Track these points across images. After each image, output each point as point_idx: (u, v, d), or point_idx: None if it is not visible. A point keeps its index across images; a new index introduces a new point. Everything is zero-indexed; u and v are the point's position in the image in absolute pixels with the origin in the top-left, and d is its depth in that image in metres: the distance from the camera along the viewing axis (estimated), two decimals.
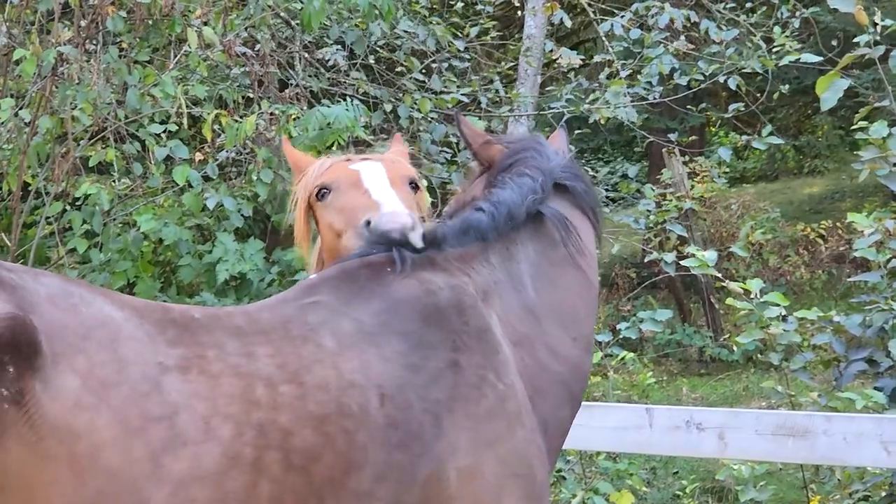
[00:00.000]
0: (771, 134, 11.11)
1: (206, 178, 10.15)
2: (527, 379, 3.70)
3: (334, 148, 10.01)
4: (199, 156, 10.47)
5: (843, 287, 16.38)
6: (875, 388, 7.36)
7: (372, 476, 3.18)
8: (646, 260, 10.59)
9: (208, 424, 3.00)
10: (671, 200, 14.07)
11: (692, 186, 15.03)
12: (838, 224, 16.60)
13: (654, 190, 13.25)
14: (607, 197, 28.62)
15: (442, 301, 3.59)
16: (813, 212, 26.06)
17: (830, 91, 7.21)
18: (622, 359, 10.48)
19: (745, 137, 11.71)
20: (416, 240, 3.83)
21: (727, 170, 13.98)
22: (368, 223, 4.11)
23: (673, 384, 15.04)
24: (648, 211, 11.44)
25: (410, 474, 3.25)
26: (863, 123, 7.76)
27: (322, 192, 4.53)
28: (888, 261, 7.60)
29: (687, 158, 15.62)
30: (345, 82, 11.54)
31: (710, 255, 7.76)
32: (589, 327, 4.12)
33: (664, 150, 14.82)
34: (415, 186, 4.55)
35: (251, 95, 11.03)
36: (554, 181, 4.15)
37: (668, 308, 16.92)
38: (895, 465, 5.68)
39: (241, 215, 10.19)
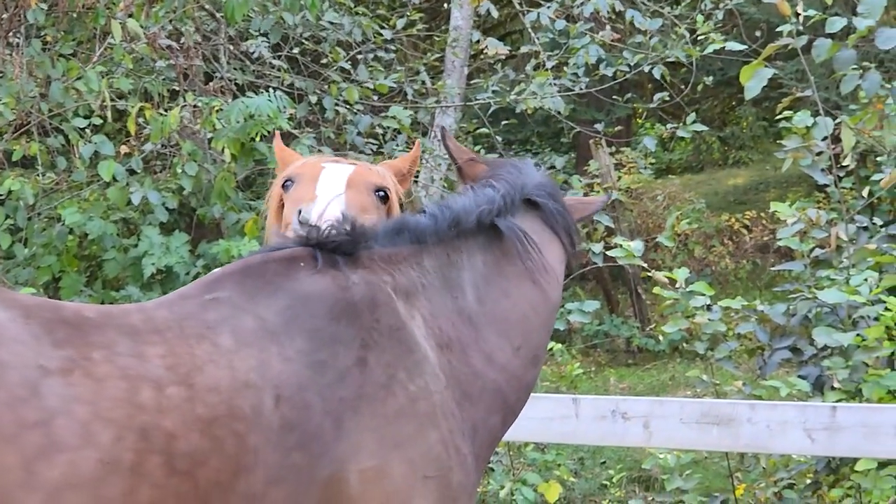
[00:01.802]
0: (695, 122, 11.22)
1: (132, 172, 10.08)
2: (455, 383, 3.63)
3: (258, 139, 9.97)
4: (124, 149, 10.39)
5: (767, 277, 16.51)
6: (799, 377, 7.43)
7: (264, 478, 3.09)
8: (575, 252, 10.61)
9: (87, 429, 2.89)
10: (598, 191, 14.15)
11: (619, 177, 15.13)
12: (762, 214, 16.75)
13: (581, 181, 13.32)
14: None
15: (354, 297, 3.47)
16: (738, 202, 26.23)
17: (754, 80, 7.30)
18: (550, 350, 10.51)
19: (670, 126, 11.81)
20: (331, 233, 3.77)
21: (653, 161, 14.08)
22: (300, 212, 4.11)
23: (601, 374, 15.11)
24: None
25: (308, 476, 3.17)
26: (787, 113, 7.84)
27: (286, 184, 4.57)
28: (811, 250, 7.67)
29: (613, 149, 15.66)
30: (270, 74, 11.49)
31: (637, 246, 7.79)
32: (538, 340, 4.03)
33: (591, 141, 14.87)
34: (383, 196, 4.55)
35: (176, 88, 10.96)
36: (524, 197, 4.06)
37: (596, 299, 17.03)
38: (819, 452, 5.74)
39: (166, 208, 10.13)
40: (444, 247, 3.83)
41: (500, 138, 13.77)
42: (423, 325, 3.64)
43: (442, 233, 3.81)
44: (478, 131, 13.75)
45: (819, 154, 7.66)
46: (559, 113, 12.34)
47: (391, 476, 3.31)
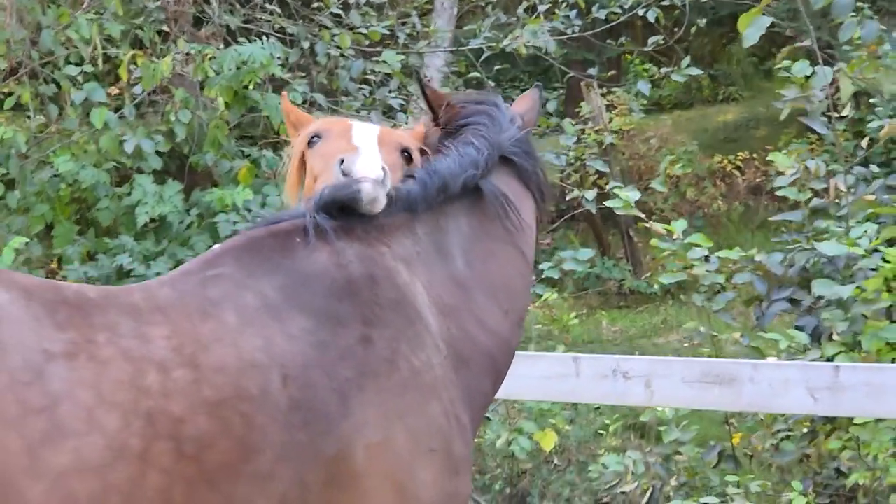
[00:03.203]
0: (689, 66, 11.17)
1: (122, 116, 10.02)
2: (453, 349, 3.63)
3: (251, 87, 9.91)
4: (113, 90, 10.29)
5: (759, 219, 16.50)
6: (796, 327, 7.42)
7: (272, 458, 3.07)
8: (567, 198, 10.59)
9: (92, 415, 2.86)
10: (590, 134, 14.10)
11: (611, 119, 15.05)
12: (754, 155, 16.71)
13: (573, 123, 13.27)
14: None
15: (353, 273, 3.45)
16: (728, 140, 26.16)
17: (752, 28, 7.23)
18: (541, 296, 10.52)
19: (664, 70, 11.75)
20: (381, 195, 3.67)
21: (644, 101, 13.96)
22: (342, 161, 4.05)
23: (592, 317, 15.11)
24: (569, 146, 11.43)
25: (314, 454, 3.15)
26: (786, 63, 7.78)
27: (313, 140, 4.49)
28: (809, 199, 7.64)
29: (605, 90, 15.59)
30: (261, 18, 11.38)
31: (633, 195, 7.74)
32: (522, 302, 4.05)
33: (583, 82, 14.79)
34: (408, 156, 4.49)
35: (167, 30, 10.85)
36: (501, 154, 4.03)
37: (587, 241, 17.03)
38: (822, 411, 5.72)
39: (158, 153, 10.07)
40: (434, 212, 3.82)
41: (492, 83, 13.65)
42: (423, 292, 3.63)
43: (431, 199, 3.79)
44: (469, 74, 13.64)
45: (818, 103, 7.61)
46: (550, 55, 12.24)
47: (396, 450, 3.31)
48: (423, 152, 4.79)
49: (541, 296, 9.34)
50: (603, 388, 5.66)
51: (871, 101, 8.28)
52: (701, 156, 16.58)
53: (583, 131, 14.19)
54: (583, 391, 5.73)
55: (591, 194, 9.85)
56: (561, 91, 18.09)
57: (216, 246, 3.62)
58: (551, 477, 9.20)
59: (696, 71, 11.05)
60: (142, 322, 3.07)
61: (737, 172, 16.70)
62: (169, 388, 2.97)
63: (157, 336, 3.05)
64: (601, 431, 9.30)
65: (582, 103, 15.09)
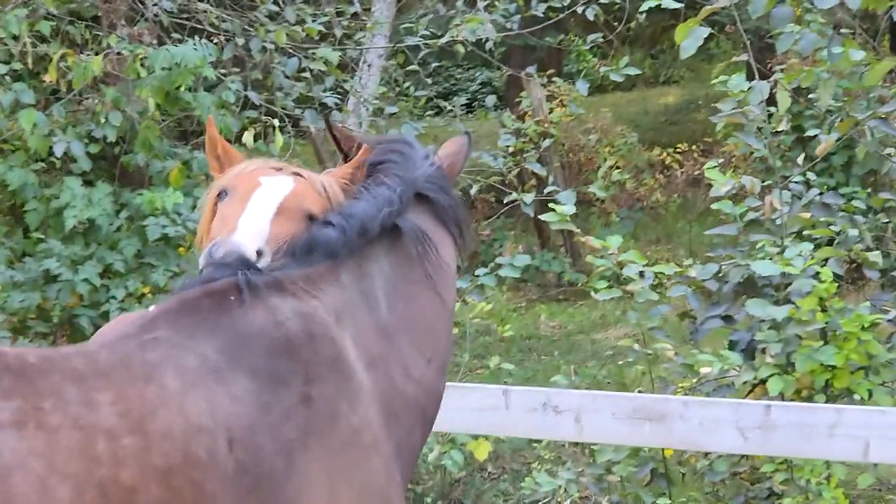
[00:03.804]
0: (627, 65, 11.13)
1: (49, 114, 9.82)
2: (382, 402, 3.53)
3: (183, 88, 9.73)
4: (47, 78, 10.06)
5: (697, 210, 16.53)
6: (731, 341, 7.38)
7: None
8: (504, 201, 10.49)
9: (45, 485, 2.78)
10: (530, 125, 14.03)
11: (551, 110, 14.98)
12: (693, 148, 16.70)
13: (512, 117, 13.19)
14: (467, 105, 28.56)
15: (291, 331, 3.36)
16: (669, 123, 26.26)
17: (690, 39, 7.16)
18: (480, 285, 10.39)
19: (603, 70, 11.69)
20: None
21: (582, 98, 13.86)
22: (213, 245, 3.95)
23: (531, 311, 15.07)
24: (506, 148, 11.35)
25: None
26: (722, 77, 7.72)
27: (221, 195, 4.35)
28: (744, 213, 7.59)
29: (545, 80, 15.49)
30: (195, 15, 11.17)
31: (569, 208, 7.66)
32: (444, 348, 3.95)
33: (523, 73, 14.69)
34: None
35: (98, 31, 10.64)
36: (416, 191, 3.92)
37: (527, 229, 16.96)
38: (753, 450, 5.69)
39: (89, 154, 9.89)
40: (356, 258, 3.70)
41: (430, 80, 13.56)
42: (352, 346, 3.52)
43: (352, 244, 3.68)
44: (407, 68, 13.52)
45: (753, 120, 7.55)
46: (490, 52, 12.13)
47: None
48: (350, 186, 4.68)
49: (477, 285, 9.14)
50: (533, 421, 5.58)
51: (810, 113, 8.21)
52: (640, 147, 16.53)
53: (522, 120, 14.15)
54: (513, 424, 5.66)
55: (528, 198, 9.76)
56: (500, 70, 18.03)
57: (151, 308, 3.56)
58: (484, 486, 9.14)
59: (633, 70, 11.00)
60: (86, 388, 2.98)
61: (676, 165, 16.69)
62: (119, 456, 2.89)
63: (102, 402, 2.96)
64: (535, 441, 9.24)
65: (522, 94, 15.02)
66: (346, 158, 4.13)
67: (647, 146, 18.16)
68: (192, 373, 3.15)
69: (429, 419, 3.83)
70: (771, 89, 7.54)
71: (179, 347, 3.21)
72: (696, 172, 16.17)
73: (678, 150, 16.85)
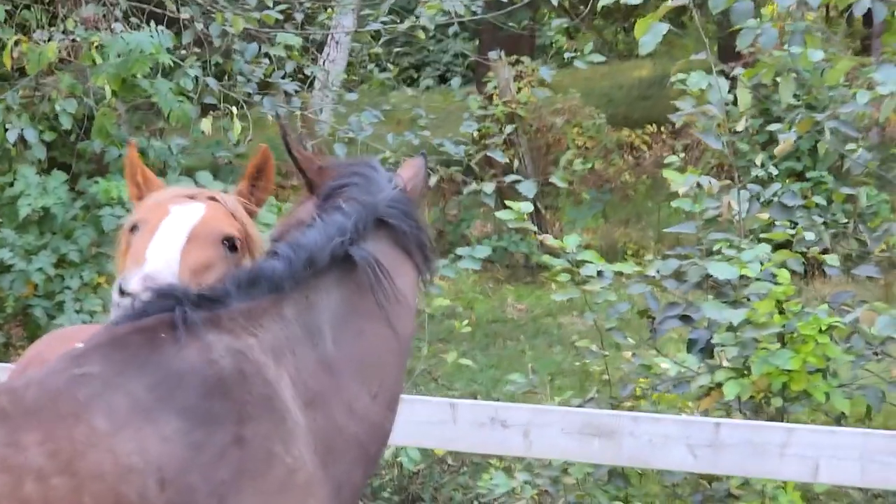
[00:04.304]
0: (592, 52, 11.06)
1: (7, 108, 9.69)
2: (320, 441, 3.41)
3: (139, 76, 9.59)
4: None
5: (665, 192, 16.41)
6: (690, 340, 7.30)
7: None
8: (465, 192, 10.40)
9: None
10: (497, 104, 13.92)
11: (518, 89, 14.86)
12: (662, 129, 16.60)
13: (477, 100, 13.08)
14: (439, 77, 28.43)
15: (223, 370, 3.25)
16: (642, 97, 26.20)
17: (650, 35, 7.10)
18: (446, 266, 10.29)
19: (568, 55, 11.60)
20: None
21: (548, 85, 13.76)
22: (123, 278, 3.86)
23: (498, 293, 14.96)
24: (471, 133, 11.26)
25: None
26: (681, 75, 7.62)
27: (133, 227, 4.28)
28: (703, 211, 7.50)
29: (514, 59, 15.35)
30: None
31: (526, 206, 7.56)
32: (393, 383, 3.77)
33: (489, 53, 14.56)
34: (232, 247, 4.25)
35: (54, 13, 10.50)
36: (376, 217, 3.73)
37: (498, 207, 16.82)
38: (703, 469, 5.60)
39: (43, 141, 9.77)
40: (302, 290, 3.54)
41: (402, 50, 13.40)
42: (290, 385, 3.39)
43: (298, 276, 3.51)
44: (371, 51, 13.38)
45: (713, 118, 7.45)
46: (456, 36, 12.01)
47: None
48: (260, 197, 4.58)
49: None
50: (481, 435, 5.48)
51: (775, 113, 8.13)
52: (609, 128, 16.41)
53: (490, 99, 14.04)
54: (461, 439, 5.55)
55: (489, 187, 9.66)
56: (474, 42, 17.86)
57: (79, 345, 3.41)
58: (443, 479, 9.06)
59: (598, 58, 10.92)
60: (13, 428, 2.93)
61: (644, 147, 16.61)
62: (49, 498, 2.84)
63: (30, 442, 2.90)
64: None
65: (489, 74, 14.89)
66: (308, 181, 3.95)
67: (619, 123, 18.07)
68: (122, 412, 3.06)
69: (371, 457, 3.68)
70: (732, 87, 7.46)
71: (109, 385, 3.12)
72: (665, 154, 16.07)
73: (647, 131, 16.76)
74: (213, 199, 4.37)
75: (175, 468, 3.03)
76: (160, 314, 3.34)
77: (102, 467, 2.93)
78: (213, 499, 3.06)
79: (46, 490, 2.84)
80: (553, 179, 9.75)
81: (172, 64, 9.92)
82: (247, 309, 3.42)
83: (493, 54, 13.14)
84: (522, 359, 12.31)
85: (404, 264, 3.83)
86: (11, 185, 9.71)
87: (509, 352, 12.68)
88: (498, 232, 15.69)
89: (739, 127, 7.63)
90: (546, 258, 7.40)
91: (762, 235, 7.12)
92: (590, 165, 13.88)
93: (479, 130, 12.06)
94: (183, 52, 10.68)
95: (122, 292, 3.84)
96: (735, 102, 7.69)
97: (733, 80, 7.78)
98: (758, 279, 6.75)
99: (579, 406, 7.35)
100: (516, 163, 12.72)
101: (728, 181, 7.67)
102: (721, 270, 6.82)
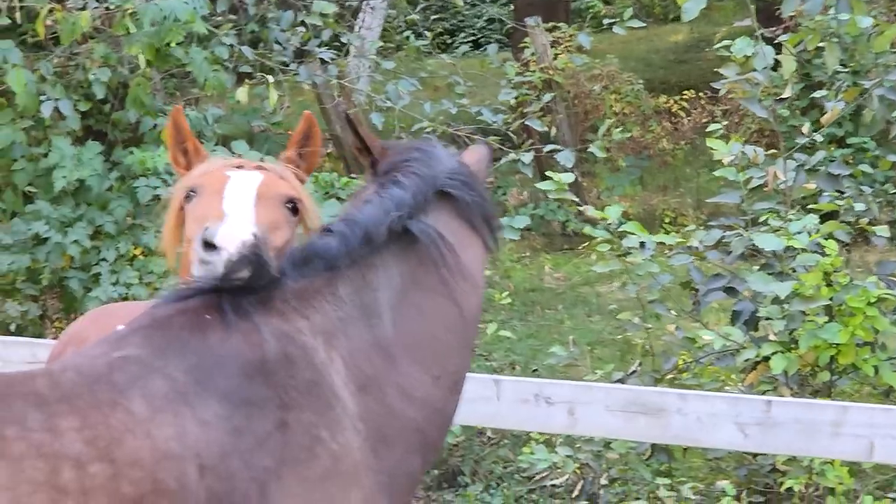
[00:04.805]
0: (632, 17, 10.91)
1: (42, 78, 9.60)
2: (373, 427, 3.28)
3: (173, 44, 9.49)
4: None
5: (704, 159, 16.24)
6: (733, 312, 7.18)
7: None
8: (502, 161, 10.28)
9: None
10: (534, 71, 13.76)
11: (555, 56, 14.70)
12: (701, 95, 16.38)
13: (514, 66, 12.92)
14: (473, 42, 28.25)
15: (267, 353, 3.15)
16: (678, 61, 25.92)
17: (693, 2, 6.99)
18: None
19: (607, 21, 11.45)
20: (243, 267, 3.33)
21: (586, 51, 13.58)
22: (206, 229, 3.76)
23: (536, 261, 14.84)
24: (509, 102, 11.13)
25: None
26: (725, 42, 7.48)
27: (189, 195, 4.18)
28: (748, 180, 7.36)
29: (551, 25, 15.19)
30: None
31: (567, 177, 7.43)
32: (458, 363, 3.62)
33: (526, 19, 14.41)
34: (294, 209, 4.16)
35: None
36: (436, 189, 3.59)
37: (532, 182, 16.69)
38: (752, 448, 5.51)
39: (78, 111, 9.69)
40: (359, 267, 3.41)
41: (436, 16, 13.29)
42: (342, 368, 3.28)
43: (354, 253, 3.40)
44: (408, 17, 13.26)
45: (758, 86, 7.31)
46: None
47: None
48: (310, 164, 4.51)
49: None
50: (524, 412, 5.39)
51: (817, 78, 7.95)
52: (647, 94, 16.21)
53: (527, 66, 13.89)
54: (504, 416, 5.46)
55: (527, 157, 9.56)
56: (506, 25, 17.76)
57: (121, 327, 3.32)
58: (483, 452, 8.98)
59: (638, 23, 10.74)
60: (50, 413, 2.85)
61: (682, 113, 16.40)
62: (87, 486, 2.76)
63: (67, 428, 2.83)
64: None
65: (525, 39, 14.74)
66: (372, 161, 3.84)
67: (656, 88, 17.86)
68: (160, 396, 2.99)
69: (431, 444, 3.54)
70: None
71: (148, 368, 3.04)
72: (704, 120, 15.88)
73: (685, 97, 16.55)
74: (261, 167, 4.30)
75: (215, 454, 2.95)
76: (206, 295, 3.26)
77: (140, 454, 2.86)
78: (254, 485, 2.98)
79: (84, 478, 2.76)
80: (592, 149, 9.62)
81: (207, 32, 9.81)
82: (299, 289, 3.33)
83: (530, 20, 12.97)
84: (561, 328, 12.22)
85: (469, 237, 3.69)
86: (45, 155, 9.63)
87: (548, 321, 12.57)
88: (535, 200, 15.53)
89: (786, 94, 7.47)
90: (588, 229, 7.26)
91: (810, 206, 6.97)
92: (629, 134, 13.68)
93: (515, 98, 11.90)
94: (218, 19, 10.59)
95: (208, 244, 3.74)
96: (775, 69, 7.56)
97: (776, 46, 7.63)
98: (804, 250, 6.62)
99: (620, 380, 7.28)
100: (554, 130, 12.54)
101: (774, 150, 7.50)
102: (768, 242, 6.70)
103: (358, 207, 3.56)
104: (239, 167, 4.25)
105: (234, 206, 3.96)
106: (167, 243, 4.34)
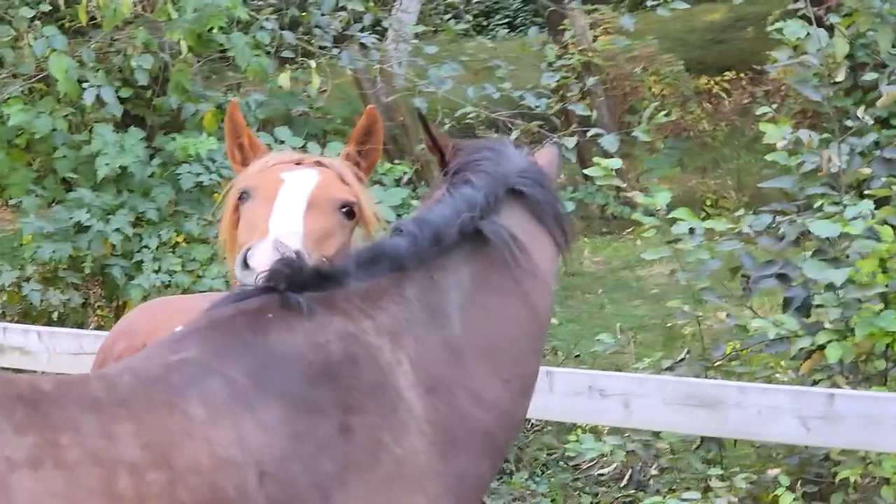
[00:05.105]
0: None
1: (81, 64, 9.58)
2: (440, 431, 3.20)
3: (215, 30, 9.44)
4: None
5: (745, 140, 16.12)
6: (785, 299, 7.07)
7: None
8: (545, 143, 10.16)
9: None
10: (573, 54, 13.63)
11: (595, 38, 14.56)
12: (742, 76, 16.24)
13: (553, 49, 12.79)
14: (509, 24, 28.10)
15: (331, 354, 3.08)
16: (715, 41, 25.71)
17: None
18: None
19: (650, 3, 11.33)
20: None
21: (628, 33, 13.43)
22: (246, 251, 3.70)
23: (575, 245, 14.72)
24: (549, 85, 11.01)
25: None
26: (778, 24, 7.36)
27: (243, 196, 4.09)
28: (800, 164, 7.23)
29: (591, 7, 15.05)
30: None
31: (614, 163, 7.32)
32: (529, 366, 3.54)
33: (565, 1, 14.28)
34: (349, 213, 4.08)
35: None
36: (508, 188, 3.51)
37: (571, 163, 16.59)
38: (815, 442, 5.37)
39: (119, 98, 9.66)
40: (427, 268, 3.34)
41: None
42: (409, 369, 3.20)
43: (423, 253, 3.32)
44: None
45: (810, 69, 7.18)
46: None
47: None
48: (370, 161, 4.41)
49: None
50: (578, 405, 5.29)
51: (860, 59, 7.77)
52: (687, 75, 16.07)
53: (566, 49, 13.76)
54: (556, 408, 5.36)
55: (570, 142, 9.47)
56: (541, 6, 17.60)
57: (179, 329, 3.27)
58: (528, 438, 8.90)
59: (683, 5, 10.60)
60: (105, 417, 2.79)
61: (723, 94, 16.24)
62: (144, 493, 2.71)
63: (123, 433, 2.77)
64: None
65: (565, 21, 14.60)
66: (444, 161, 3.76)
67: (693, 68, 17.67)
68: (218, 399, 2.93)
69: (500, 447, 3.45)
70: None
71: (207, 371, 2.99)
72: (745, 101, 15.75)
73: (726, 77, 16.38)
74: (319, 164, 4.20)
75: (275, 460, 2.89)
76: (268, 295, 3.19)
77: (198, 459, 2.80)
78: (316, 492, 2.92)
79: (141, 485, 2.71)
80: (636, 133, 9.53)
81: (248, 17, 9.75)
82: (365, 289, 3.26)
83: (573, 2, 12.85)
84: (602, 313, 12.12)
85: (541, 237, 3.58)
86: (88, 142, 9.59)
87: (589, 306, 12.47)
88: (573, 184, 15.42)
89: (839, 77, 7.33)
90: (636, 215, 7.15)
91: (866, 191, 6.84)
92: (673, 117, 13.52)
93: (556, 81, 11.78)
94: (258, 3, 10.54)
95: (247, 266, 3.69)
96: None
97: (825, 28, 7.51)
98: (860, 236, 6.51)
99: (669, 368, 7.18)
100: (594, 114, 12.43)
101: (826, 134, 7.37)
102: (823, 228, 6.59)
103: (429, 207, 3.50)
104: (297, 163, 4.16)
105: (282, 220, 3.89)
106: (223, 244, 4.27)
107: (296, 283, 3.19)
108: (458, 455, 3.23)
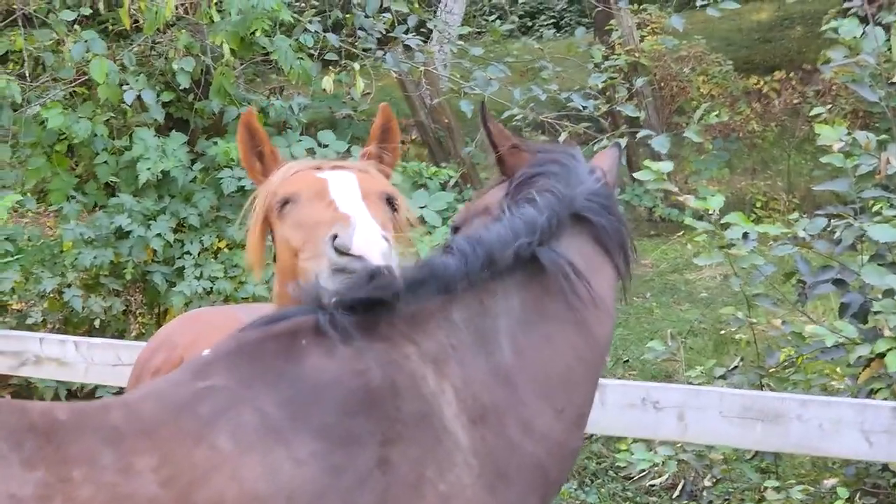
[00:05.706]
0: None
1: (123, 68, 9.46)
2: (488, 463, 3.01)
3: (258, 33, 9.31)
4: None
5: (795, 141, 15.86)
6: (842, 304, 6.87)
7: None
8: (594, 148, 10.00)
9: None
10: (619, 54, 13.45)
11: (642, 38, 14.39)
12: (791, 75, 15.96)
13: (601, 49, 12.63)
14: (554, 24, 27.92)
15: (371, 382, 2.90)
16: (762, 40, 25.44)
17: None
18: None
19: (700, 4, 11.14)
20: (393, 266, 3.17)
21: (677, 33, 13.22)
22: (335, 237, 3.50)
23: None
24: (597, 86, 10.85)
25: None
26: (833, 23, 7.15)
27: (285, 204, 3.88)
28: (856, 167, 7.03)
29: (638, 7, 14.88)
30: None
31: (666, 166, 7.13)
32: (584, 396, 3.33)
33: (612, 1, 14.11)
34: (393, 205, 3.92)
35: None
36: (573, 212, 3.31)
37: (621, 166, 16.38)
38: (879, 457, 5.17)
39: (161, 102, 9.55)
40: (476, 292, 3.15)
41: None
42: (453, 398, 3.02)
43: (474, 276, 3.13)
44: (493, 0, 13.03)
45: (866, 68, 6.98)
46: None
47: None
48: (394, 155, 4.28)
49: None
50: (631, 418, 5.10)
51: None
52: (736, 75, 15.81)
53: (612, 49, 13.58)
54: (609, 422, 5.16)
55: (621, 143, 9.28)
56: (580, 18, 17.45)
57: (206, 352, 3.08)
58: None
59: (733, 5, 10.39)
60: (124, 449, 2.64)
61: (773, 94, 15.93)
62: None
63: (143, 467, 2.62)
64: None
65: (612, 21, 14.44)
66: (500, 158, 3.59)
67: (739, 67, 17.42)
68: (249, 431, 2.76)
69: (553, 481, 3.23)
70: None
71: (236, 400, 2.81)
72: (795, 101, 15.48)
73: (776, 77, 16.10)
74: (341, 167, 4.04)
75: (309, 495, 2.73)
76: (302, 316, 3.00)
77: (224, 495, 2.65)
78: None
79: None
80: (688, 134, 9.33)
81: (292, 20, 9.63)
82: (410, 312, 3.07)
83: (621, 2, 12.67)
84: (650, 317, 11.94)
85: (602, 264, 3.40)
86: (129, 147, 9.49)
87: (636, 309, 12.28)
88: (620, 185, 15.22)
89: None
90: (688, 220, 6.96)
91: None
92: (725, 118, 13.27)
93: (603, 82, 11.61)
94: (300, 5, 10.41)
95: (341, 252, 3.50)
96: None
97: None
98: None
99: (723, 377, 7.00)
100: (642, 114, 12.24)
101: (885, 136, 7.16)
102: (881, 232, 6.39)
103: (486, 225, 3.29)
104: (316, 168, 4.00)
105: (352, 208, 3.71)
106: (253, 254, 4.07)
107: (341, 301, 3.01)
108: (507, 489, 3.05)
